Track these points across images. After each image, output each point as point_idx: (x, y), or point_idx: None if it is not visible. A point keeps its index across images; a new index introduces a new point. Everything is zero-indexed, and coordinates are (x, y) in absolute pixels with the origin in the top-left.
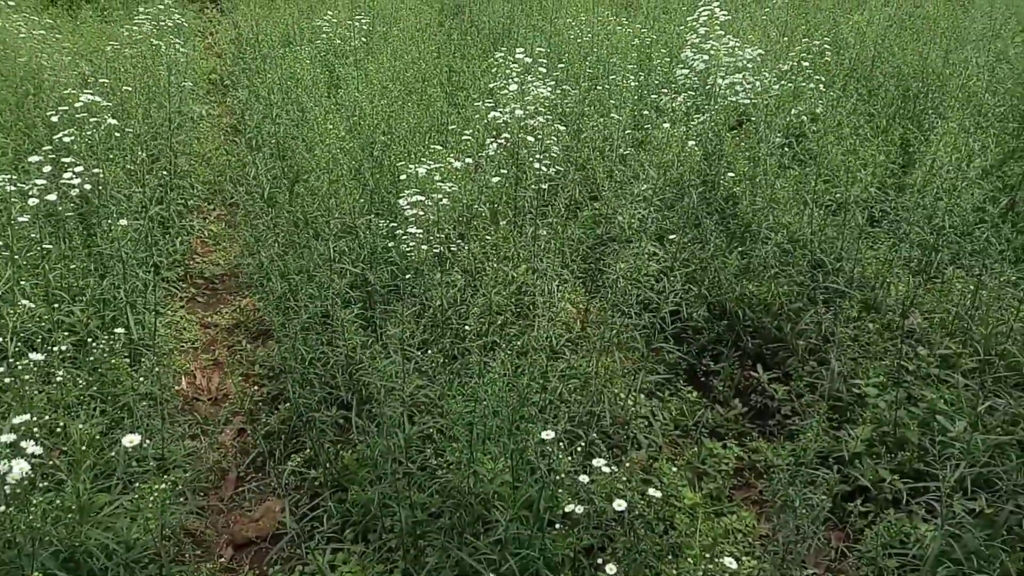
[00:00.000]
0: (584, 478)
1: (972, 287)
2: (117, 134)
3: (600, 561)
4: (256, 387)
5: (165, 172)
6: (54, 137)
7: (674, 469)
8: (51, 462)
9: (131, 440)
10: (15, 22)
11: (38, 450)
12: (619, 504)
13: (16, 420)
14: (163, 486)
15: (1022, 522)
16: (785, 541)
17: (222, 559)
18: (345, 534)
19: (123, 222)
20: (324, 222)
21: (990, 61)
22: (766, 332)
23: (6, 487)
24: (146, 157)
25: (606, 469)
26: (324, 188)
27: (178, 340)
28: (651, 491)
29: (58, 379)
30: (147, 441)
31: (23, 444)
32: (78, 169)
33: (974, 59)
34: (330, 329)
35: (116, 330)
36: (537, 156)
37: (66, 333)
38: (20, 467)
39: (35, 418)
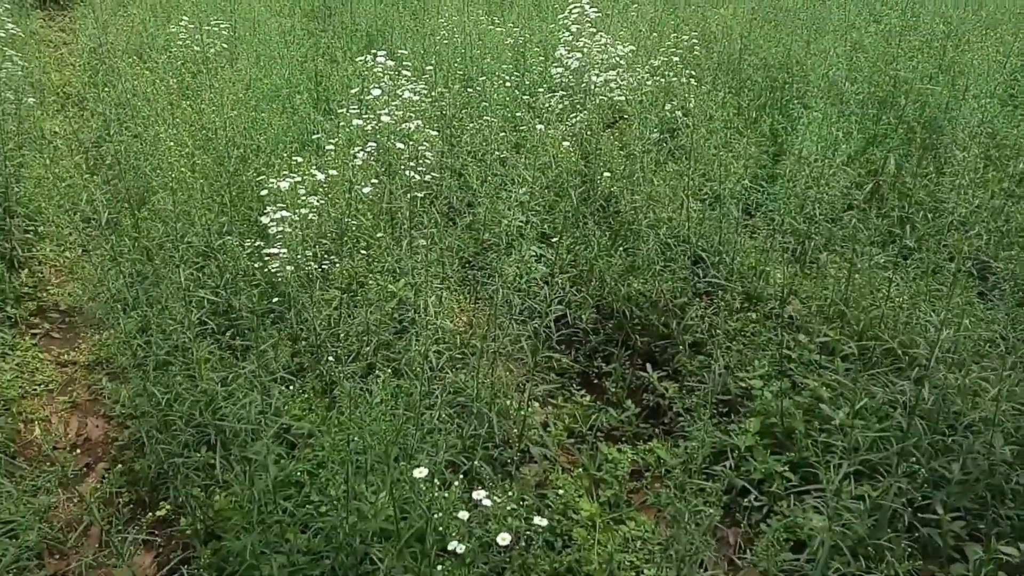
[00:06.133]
0: (464, 514)
1: (845, 272)
2: None
3: None
4: (120, 429)
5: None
6: None
7: (569, 480)
8: None
9: None
10: None
11: None
12: (503, 538)
13: None
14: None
15: (906, 508)
16: (681, 553)
17: None
18: None
19: None
20: (174, 247)
21: (848, 50)
22: (654, 329)
23: None
24: None
25: (487, 502)
26: (173, 210)
27: (29, 383)
28: (536, 520)
29: None
30: None
31: None
32: None
33: (833, 49)
34: (190, 364)
35: None
36: (409, 163)
37: None
38: None
39: None
